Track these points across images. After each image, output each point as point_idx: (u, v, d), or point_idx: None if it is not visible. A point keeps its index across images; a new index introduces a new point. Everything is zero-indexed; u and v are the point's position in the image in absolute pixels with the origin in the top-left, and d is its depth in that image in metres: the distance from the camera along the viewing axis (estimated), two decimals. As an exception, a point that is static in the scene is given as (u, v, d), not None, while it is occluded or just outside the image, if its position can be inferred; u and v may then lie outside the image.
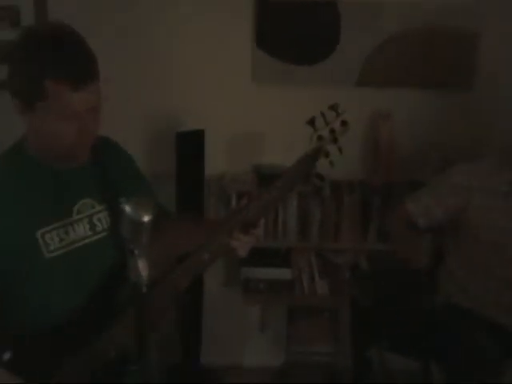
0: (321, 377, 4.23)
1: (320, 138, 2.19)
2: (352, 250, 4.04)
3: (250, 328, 4.30)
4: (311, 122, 2.19)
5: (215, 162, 3.85)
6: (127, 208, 1.72)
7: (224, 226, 2.18)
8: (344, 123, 2.21)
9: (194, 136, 3.72)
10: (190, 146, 3.72)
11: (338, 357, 4.27)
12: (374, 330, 3.45)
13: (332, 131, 2.19)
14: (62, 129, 1.95)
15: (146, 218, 1.72)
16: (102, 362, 2.10)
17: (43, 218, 2.05)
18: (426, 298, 3.25)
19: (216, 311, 4.12)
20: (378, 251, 3.99)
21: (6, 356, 2.05)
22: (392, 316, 3.35)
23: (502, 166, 3.14)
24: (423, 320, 3.22)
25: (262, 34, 3.81)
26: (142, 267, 1.77)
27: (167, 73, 3.81)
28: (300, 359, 4.29)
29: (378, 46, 3.84)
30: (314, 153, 2.21)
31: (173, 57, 3.80)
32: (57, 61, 1.89)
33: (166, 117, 3.85)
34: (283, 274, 4.00)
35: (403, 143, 3.95)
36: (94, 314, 2.11)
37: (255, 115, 3.86)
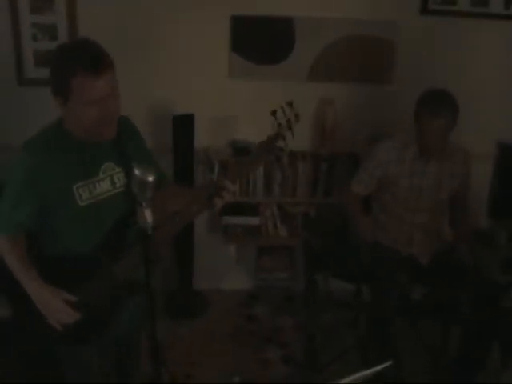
0: (281, 296, 4.26)
1: (279, 125, 2.24)
2: (305, 203, 4.05)
3: (229, 261, 4.29)
4: (273, 113, 2.23)
5: (202, 139, 3.83)
6: (136, 171, 1.77)
7: (207, 187, 2.22)
8: (297, 116, 2.27)
9: (186, 119, 3.72)
10: (183, 126, 3.72)
11: (293, 281, 4.28)
12: (320, 262, 3.49)
13: (288, 121, 2.25)
14: (88, 113, 1.95)
15: (150, 178, 1.77)
16: (113, 284, 2.14)
17: (78, 176, 2.07)
18: (355, 238, 3.28)
19: (203, 249, 4.11)
20: (323, 204, 4.02)
21: None
22: (333, 251, 3.40)
23: (407, 143, 3.20)
24: (354, 254, 3.26)
25: (236, 41, 3.79)
26: (148, 215, 1.81)
27: (165, 70, 3.78)
28: (266, 284, 4.30)
29: (322, 51, 3.83)
30: (275, 136, 2.25)
31: (171, 60, 3.78)
32: (78, 62, 1.91)
33: (164, 104, 3.81)
34: (253, 221, 4.02)
35: (343, 123, 3.95)
36: (111, 248, 2.15)
37: (231, 103, 3.85)
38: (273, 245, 4.22)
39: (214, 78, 3.84)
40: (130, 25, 3.67)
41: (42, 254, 2.13)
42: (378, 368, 1.78)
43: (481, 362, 3.12)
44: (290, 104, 2.26)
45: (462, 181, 3.25)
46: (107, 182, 2.16)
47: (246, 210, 4.02)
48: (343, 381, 1.72)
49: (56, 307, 2.04)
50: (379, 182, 3.26)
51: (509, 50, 3.90)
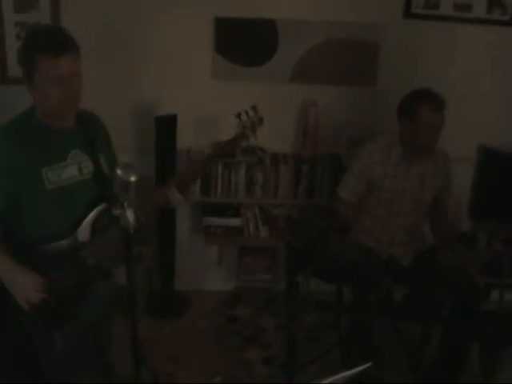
0: (263, 297, 4.26)
1: (243, 127, 2.38)
2: (286, 205, 4.06)
3: (211, 262, 4.29)
4: (238, 116, 2.38)
5: (184, 139, 3.82)
6: (119, 171, 1.77)
7: (167, 184, 2.34)
8: (261, 120, 2.40)
9: (169, 119, 3.71)
10: (166, 126, 3.71)
11: (275, 282, 4.30)
12: (301, 263, 3.50)
13: (252, 124, 2.38)
14: (52, 90, 2.06)
15: (132, 178, 1.77)
16: (82, 268, 2.19)
17: (46, 160, 2.14)
18: (337, 239, 3.29)
19: (185, 250, 4.10)
20: (305, 205, 4.04)
21: None
22: (314, 252, 3.40)
23: (390, 145, 3.23)
24: (335, 255, 3.25)
25: (220, 42, 3.80)
26: (130, 215, 1.82)
27: (148, 71, 3.77)
28: (247, 285, 4.31)
29: (306, 53, 3.84)
30: (238, 137, 2.39)
31: (154, 59, 3.76)
32: (43, 42, 2.06)
33: (147, 104, 3.80)
34: (235, 222, 4.02)
35: (325, 126, 3.95)
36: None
37: (214, 103, 3.83)
38: (254, 246, 4.22)
39: (197, 79, 3.84)
40: (114, 24, 3.66)
41: (14, 239, 2.15)
42: (359, 369, 1.79)
43: (460, 363, 3.14)
44: (255, 108, 2.39)
45: (443, 182, 3.28)
46: (74, 168, 2.22)
47: (228, 211, 4.02)
48: (324, 381, 1.73)
49: (23, 285, 2.09)
50: (367, 185, 3.27)
51: (491, 54, 3.94)
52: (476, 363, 3.28)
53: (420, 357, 3.39)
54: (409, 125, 3.11)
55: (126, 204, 1.79)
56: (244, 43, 3.82)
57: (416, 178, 3.22)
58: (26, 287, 2.09)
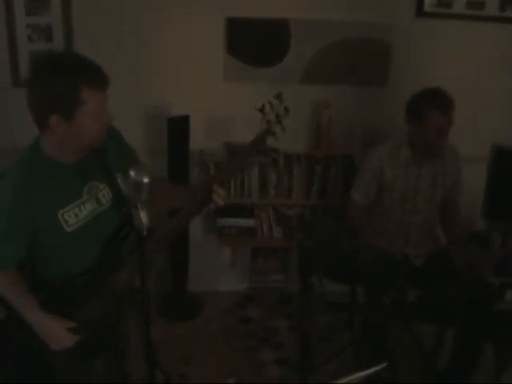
0: (276, 298, 4.27)
1: (268, 121, 2.15)
2: (300, 205, 4.05)
3: (223, 263, 4.29)
4: (261, 109, 2.15)
5: (197, 140, 3.83)
6: (132, 173, 1.77)
7: (204, 184, 2.18)
8: (286, 109, 2.14)
9: (181, 120, 3.72)
10: (178, 128, 3.71)
11: (288, 283, 4.30)
12: (314, 263, 3.49)
13: (277, 115, 2.14)
14: (96, 125, 1.95)
15: (145, 180, 1.77)
16: (114, 297, 2.14)
17: (61, 202, 2.04)
18: (351, 240, 3.29)
19: (198, 251, 4.11)
20: (318, 206, 4.03)
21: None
22: (327, 253, 3.39)
23: (399, 146, 3.22)
24: (349, 255, 3.25)
25: (232, 43, 3.79)
26: (143, 217, 1.82)
27: (161, 73, 3.78)
28: (260, 285, 4.31)
29: (318, 53, 3.83)
30: (263, 133, 2.16)
31: (167, 62, 3.77)
32: (84, 70, 1.89)
33: (160, 106, 3.81)
34: (248, 223, 4.02)
35: (338, 126, 3.95)
36: (107, 263, 2.14)
37: (226, 104, 3.83)
38: (268, 246, 4.22)
39: (209, 80, 3.83)
40: (126, 26, 3.66)
41: (38, 281, 2.11)
42: (373, 369, 1.78)
43: (473, 363, 3.13)
44: (279, 97, 2.14)
45: (454, 179, 3.27)
46: (92, 202, 2.13)
47: (241, 211, 4.02)
48: (338, 382, 1.72)
49: (57, 335, 2.05)
50: (379, 187, 3.27)
51: (504, 52, 3.92)
52: (489, 363, 3.26)
53: (434, 357, 3.38)
54: (416, 126, 3.10)
55: (139, 205, 1.80)
56: (256, 43, 3.81)
57: (427, 178, 3.21)
58: (60, 336, 2.04)
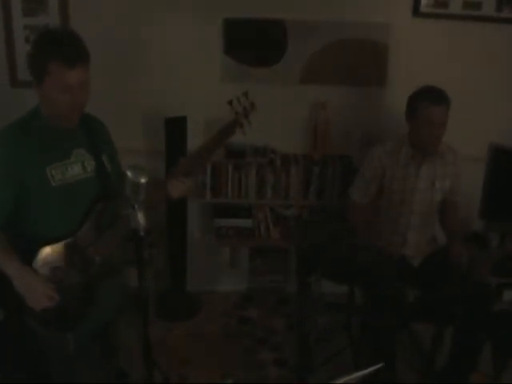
0: (274, 298, 4.27)
1: (236, 113, 2.46)
2: (297, 206, 4.05)
3: (222, 264, 4.29)
4: (230, 102, 2.46)
5: (195, 141, 3.78)
6: (129, 173, 1.77)
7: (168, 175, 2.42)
8: (252, 104, 2.47)
9: (179, 121, 3.72)
10: (176, 128, 3.71)
11: (286, 283, 4.30)
12: (312, 264, 3.49)
13: (244, 109, 2.46)
14: (60, 98, 2.07)
15: (143, 180, 1.77)
16: (90, 267, 2.20)
17: (51, 158, 2.15)
18: (349, 240, 3.29)
19: (197, 252, 4.12)
20: (316, 206, 4.03)
21: None
22: (325, 253, 3.39)
23: (399, 146, 3.22)
24: (347, 256, 3.25)
25: (229, 43, 3.79)
26: (140, 218, 1.82)
27: (159, 74, 3.78)
28: (258, 286, 4.31)
29: (315, 54, 3.83)
30: (231, 124, 2.47)
31: (164, 63, 3.77)
32: (58, 48, 2.03)
33: (157, 106, 3.80)
34: (246, 223, 4.02)
35: (336, 126, 3.95)
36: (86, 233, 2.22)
37: (223, 106, 3.79)
38: (265, 247, 4.22)
39: (206, 80, 3.83)
40: (123, 27, 3.66)
41: (20, 240, 2.15)
42: (371, 370, 1.78)
43: (471, 363, 3.12)
44: (246, 94, 2.46)
45: (453, 181, 3.27)
46: (78, 166, 2.24)
47: (239, 212, 4.02)
48: (337, 382, 1.72)
49: (36, 289, 2.08)
50: (378, 187, 3.27)
51: (501, 52, 3.92)
52: (487, 363, 3.26)
53: (432, 357, 3.38)
54: (413, 122, 3.12)
55: (136, 206, 1.80)
56: (253, 44, 3.81)
57: (426, 179, 3.21)
58: (38, 292, 2.07)
